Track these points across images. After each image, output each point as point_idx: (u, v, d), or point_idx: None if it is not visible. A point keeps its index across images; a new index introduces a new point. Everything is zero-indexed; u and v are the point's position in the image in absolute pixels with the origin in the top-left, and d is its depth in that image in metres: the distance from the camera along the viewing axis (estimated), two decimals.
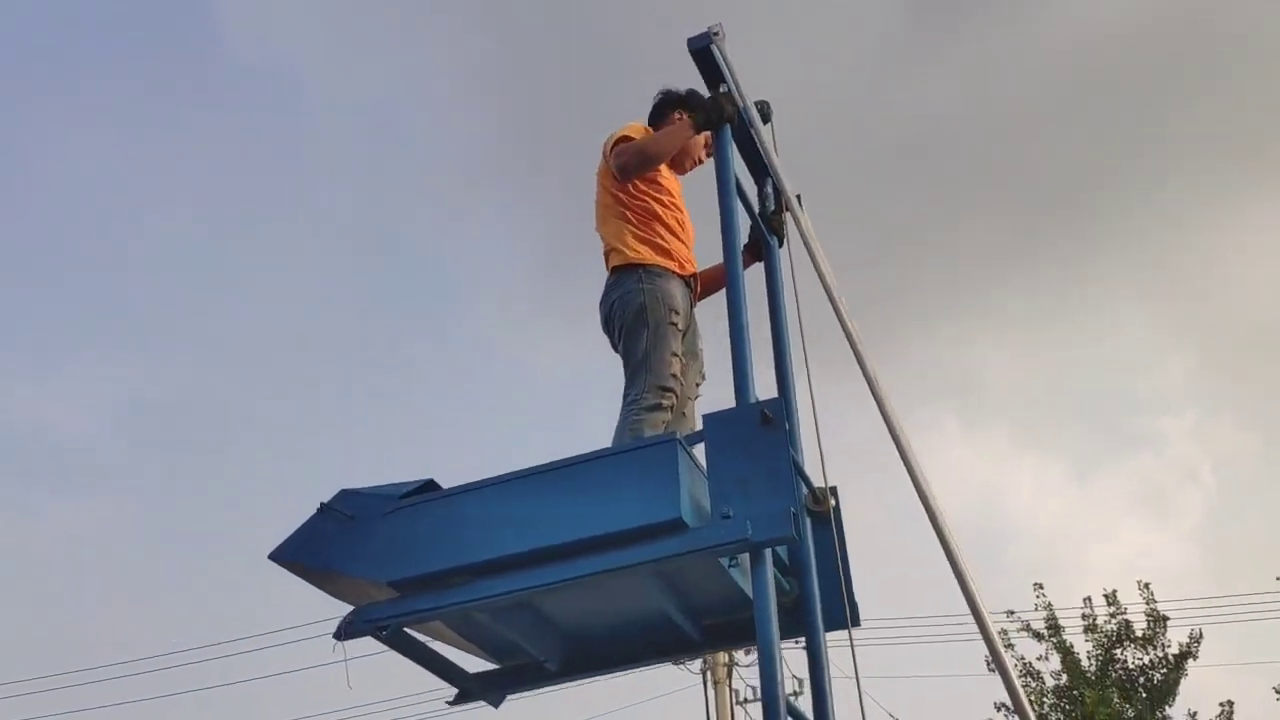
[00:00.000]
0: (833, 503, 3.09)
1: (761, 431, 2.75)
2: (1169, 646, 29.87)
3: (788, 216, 3.67)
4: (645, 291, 3.68)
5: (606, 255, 3.92)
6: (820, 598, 2.97)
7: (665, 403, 3.50)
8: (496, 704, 3.32)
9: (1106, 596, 30.81)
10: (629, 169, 3.82)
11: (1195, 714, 29.52)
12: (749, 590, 2.77)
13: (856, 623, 3.03)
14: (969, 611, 2.84)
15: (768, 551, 2.65)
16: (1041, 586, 32.13)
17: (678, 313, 3.68)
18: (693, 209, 4.11)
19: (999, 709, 31.15)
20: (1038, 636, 31.25)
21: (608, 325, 3.80)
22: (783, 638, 2.71)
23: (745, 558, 2.81)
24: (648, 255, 3.78)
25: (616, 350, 3.72)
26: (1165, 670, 29.67)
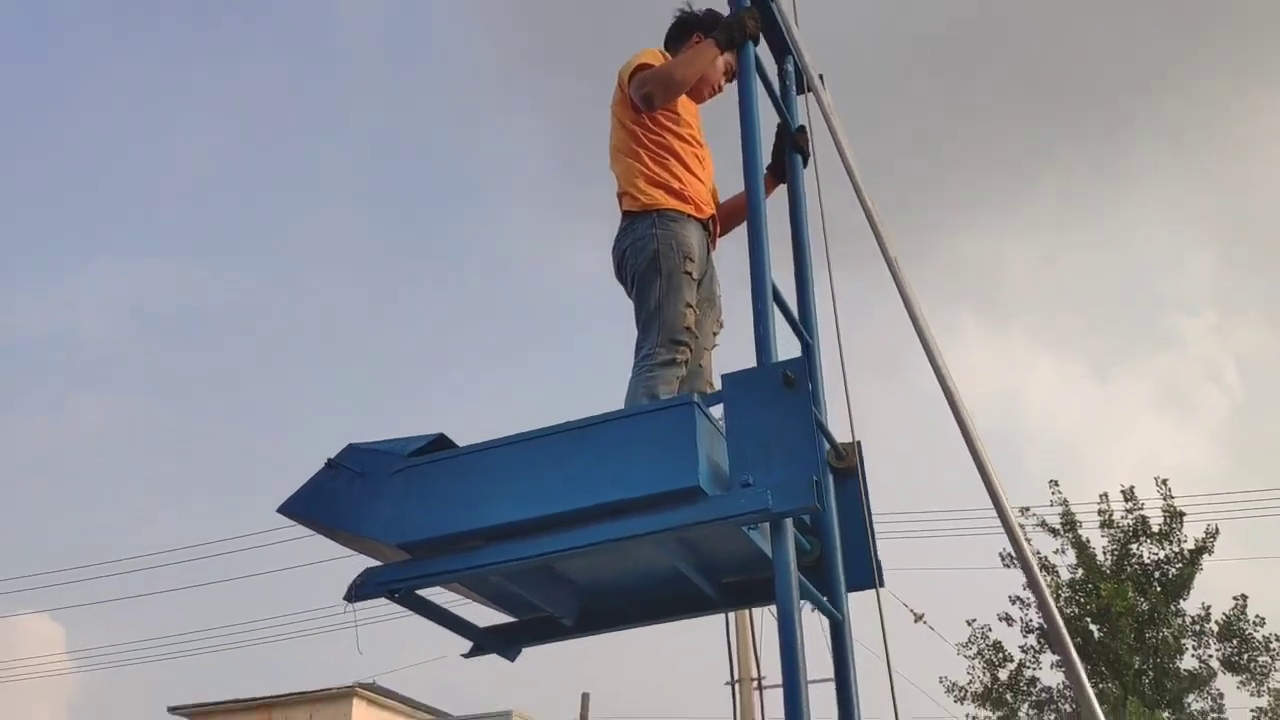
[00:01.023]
0: (857, 458, 2.99)
1: (783, 394, 2.63)
2: (1185, 542, 30.16)
3: (809, 100, 3.51)
4: (658, 238, 3.52)
5: (619, 198, 3.75)
6: (843, 557, 2.87)
7: (679, 358, 3.38)
8: (511, 658, 3.28)
9: (1124, 493, 30.99)
10: (654, 98, 3.61)
11: (1209, 607, 29.84)
12: (768, 551, 2.68)
13: (881, 582, 2.95)
14: (989, 501, 2.81)
15: (788, 521, 2.55)
16: (1057, 483, 32.07)
17: (693, 260, 3.52)
18: (711, 130, 3.93)
19: (1013, 601, 31.55)
20: (1053, 532, 31.49)
21: (620, 273, 3.65)
22: (803, 598, 2.64)
23: None
24: (661, 199, 3.61)
25: (630, 298, 3.58)
26: (1180, 565, 29.98)
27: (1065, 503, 30.79)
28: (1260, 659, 29.32)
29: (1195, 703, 29.10)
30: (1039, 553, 31.09)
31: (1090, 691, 2.89)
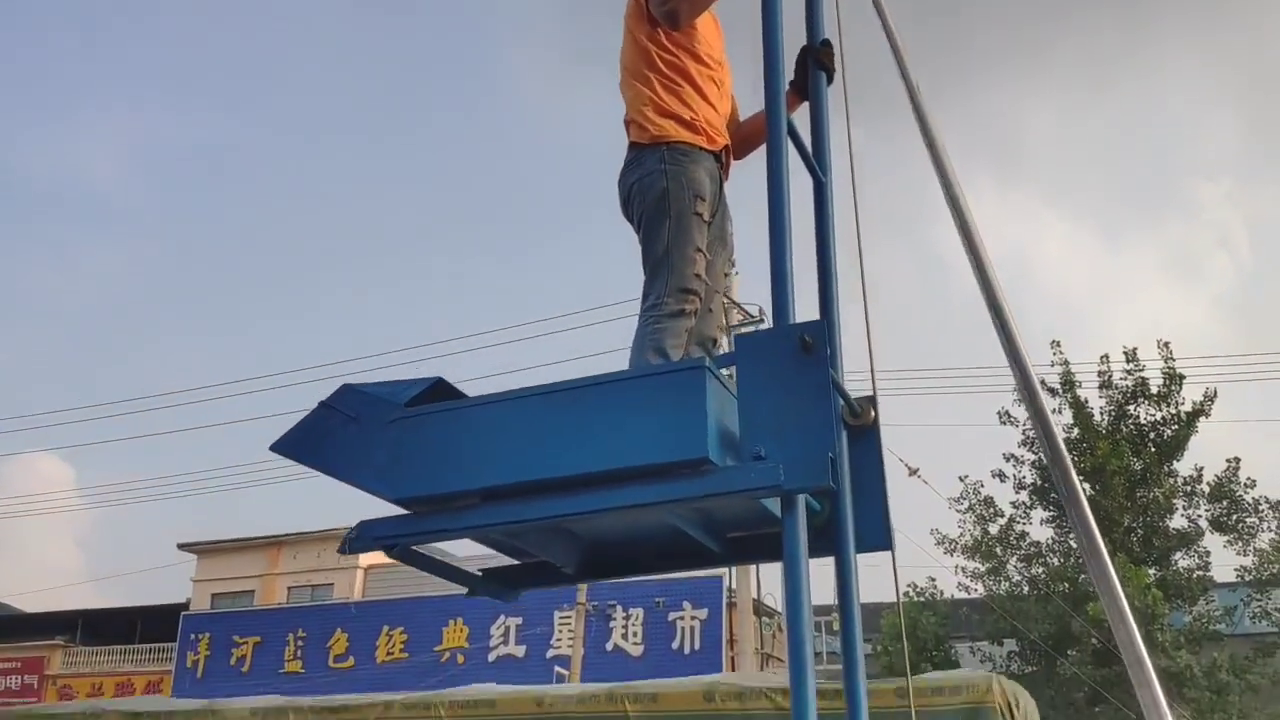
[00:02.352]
0: (873, 415, 2.85)
1: (800, 359, 2.48)
2: (1182, 404, 30.37)
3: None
4: (668, 175, 3.30)
5: (627, 125, 3.51)
6: (854, 519, 2.76)
7: (689, 308, 3.21)
8: (510, 600, 3.22)
9: (1126, 354, 31.06)
10: (679, 16, 3.33)
11: (1201, 469, 30.30)
12: (776, 510, 2.58)
13: (891, 545, 2.86)
14: (1002, 347, 2.79)
15: (801, 497, 2.44)
16: (1059, 344, 32.24)
17: (704, 199, 3.31)
18: (729, 39, 3.66)
19: (1007, 459, 31.94)
20: (1052, 392, 31.70)
21: (626, 209, 3.45)
22: (810, 557, 2.55)
23: None
24: (672, 130, 3.38)
25: (637, 236, 3.39)
26: (1176, 427, 30.27)
27: (1066, 363, 30.91)
28: (1248, 520, 29.89)
29: (1182, 560, 29.79)
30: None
31: (1099, 539, 2.84)
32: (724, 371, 2.64)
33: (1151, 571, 28.96)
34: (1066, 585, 29.66)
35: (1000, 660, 31.46)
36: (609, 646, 33.56)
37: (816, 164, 3.16)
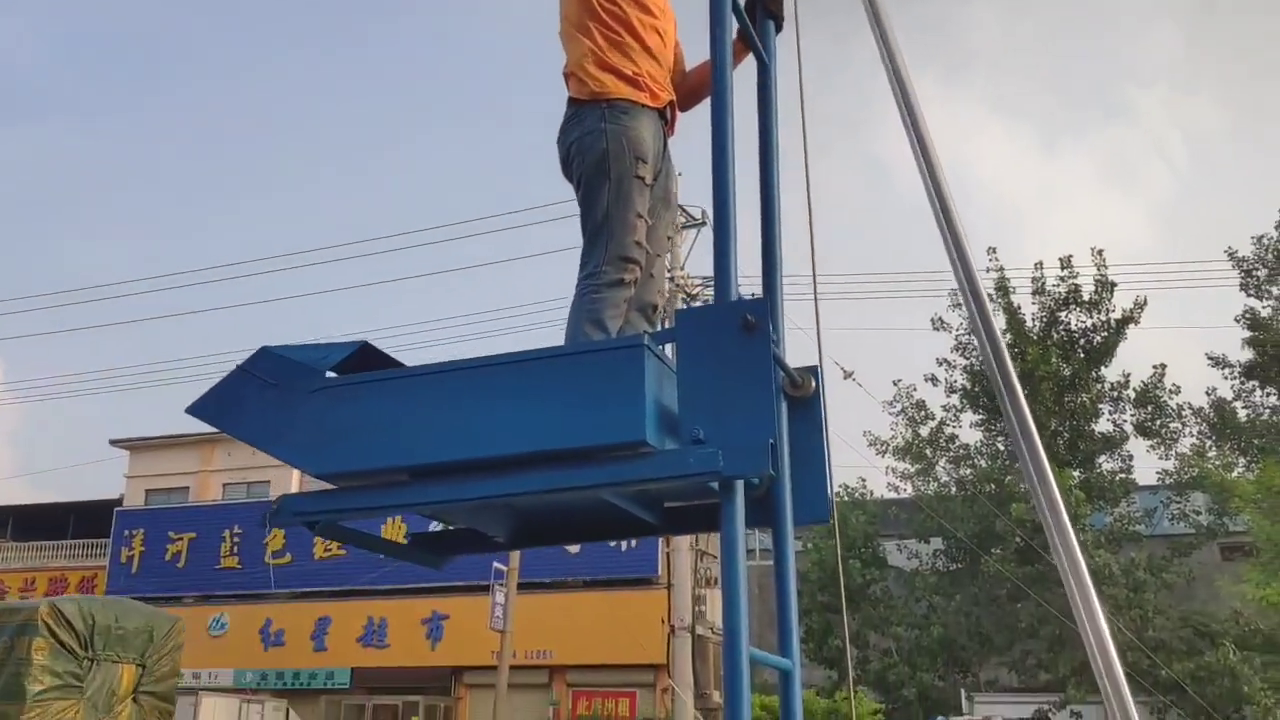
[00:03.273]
0: (814, 385, 2.77)
1: (741, 338, 2.38)
2: (1113, 311, 30.88)
3: None
4: (609, 135, 3.13)
5: (566, 78, 3.32)
6: (793, 490, 2.69)
7: (628, 277, 3.08)
8: (438, 567, 3.14)
9: (1061, 261, 31.40)
10: None
11: (1129, 375, 31.01)
12: (714, 483, 2.50)
13: (830, 517, 2.81)
14: (946, 252, 2.78)
15: (739, 483, 2.36)
16: (995, 251, 32.51)
17: (645, 161, 3.15)
18: None
19: (940, 363, 32.34)
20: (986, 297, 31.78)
21: (566, 168, 3.28)
22: (746, 527, 2.49)
23: None
24: (613, 86, 3.20)
25: (576, 198, 3.22)
26: (1106, 333, 30.81)
27: (1001, 270, 31.23)
28: (1171, 425, 30.73)
29: (1105, 464, 30.64)
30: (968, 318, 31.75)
31: (1037, 438, 2.83)
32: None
33: (1076, 474, 29.74)
34: (993, 486, 30.41)
35: (926, 557, 32.33)
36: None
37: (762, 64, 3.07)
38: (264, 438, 2.73)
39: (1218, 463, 28.90)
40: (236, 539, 35.56)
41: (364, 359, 2.84)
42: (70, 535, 41.14)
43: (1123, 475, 30.44)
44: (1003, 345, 2.75)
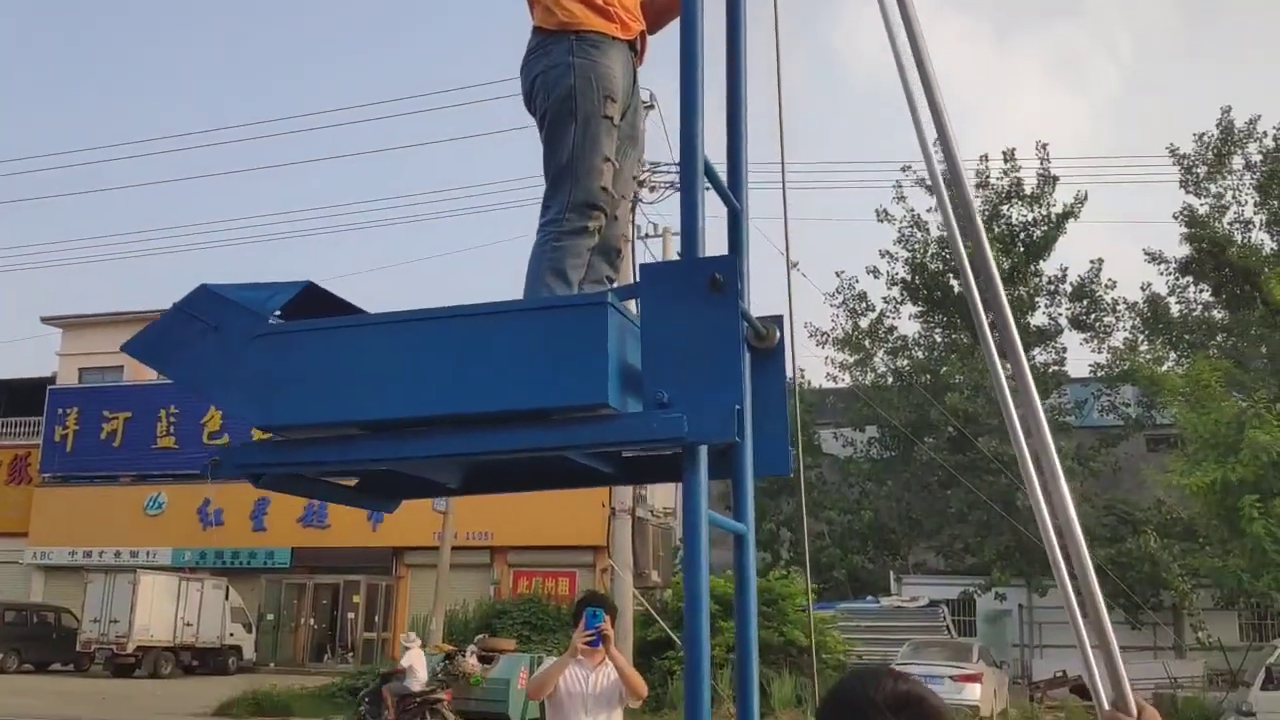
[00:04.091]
0: (778, 336, 2.70)
1: (708, 298, 2.29)
2: (1054, 206, 31.11)
3: None
4: (576, 70, 2.94)
5: (531, 5, 3.12)
6: (754, 443, 2.63)
7: (592, 225, 2.93)
8: (389, 510, 3.06)
9: (1004, 154, 31.45)
10: None
11: (1066, 269, 31.42)
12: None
13: (791, 470, 2.76)
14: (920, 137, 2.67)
15: (703, 449, 2.30)
16: (939, 142, 32.40)
17: (615, 99, 2.97)
18: None
19: (882, 255, 32.47)
20: (929, 190, 31.97)
21: (529, 102, 3.08)
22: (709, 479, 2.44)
23: None
24: (583, 16, 3.00)
25: (540, 135, 3.05)
26: (1046, 228, 31.08)
27: (944, 162, 31.19)
28: (1106, 319, 31.30)
29: (1040, 356, 31.19)
30: (912, 210, 31.84)
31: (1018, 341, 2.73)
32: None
33: (1008, 365, 30.29)
34: (928, 377, 30.90)
35: (861, 445, 32.94)
36: None
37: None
38: (205, 385, 2.61)
39: (1149, 357, 29.54)
40: (173, 419, 35.21)
41: (310, 300, 2.71)
42: (1, 413, 40.44)
43: (1056, 368, 31.05)
44: (982, 232, 2.59)
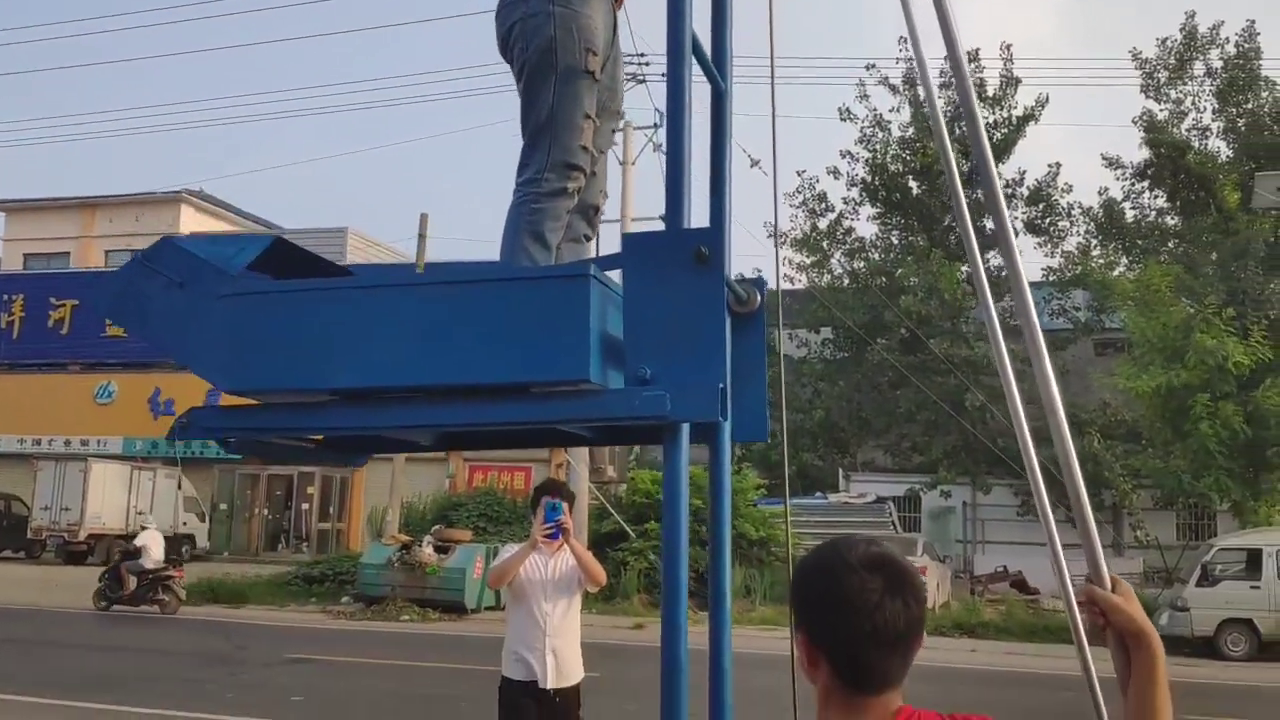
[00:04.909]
0: (759, 300, 2.65)
1: (693, 270, 2.23)
2: (1015, 108, 30.97)
3: None
4: (556, 20, 2.78)
5: None
6: (731, 408, 2.59)
7: (571, 186, 2.82)
8: (358, 465, 3.01)
9: (969, 54, 31.17)
10: None
11: (1024, 172, 31.44)
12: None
13: (765, 436, 2.74)
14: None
15: (685, 427, 2.26)
16: (905, 40, 32.08)
17: (595, 52, 2.82)
18: None
19: (843, 155, 32.26)
20: (893, 90, 31.77)
21: (505, 51, 2.92)
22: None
23: None
24: None
25: (516, 86, 2.91)
26: (1007, 130, 30.97)
27: (909, 61, 30.86)
28: (1060, 223, 31.48)
29: (993, 259, 31.35)
30: (874, 109, 31.59)
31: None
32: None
33: (964, 268, 30.47)
34: (884, 279, 31.03)
35: (815, 346, 33.18)
36: None
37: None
38: (171, 344, 2.53)
39: (1101, 262, 29.84)
40: None
41: (279, 256, 2.62)
42: None
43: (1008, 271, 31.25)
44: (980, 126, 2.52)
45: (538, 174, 2.81)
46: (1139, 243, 30.36)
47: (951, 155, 2.35)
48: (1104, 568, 1.93)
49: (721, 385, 2.20)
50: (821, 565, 1.70)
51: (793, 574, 1.72)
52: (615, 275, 2.35)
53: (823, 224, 32.13)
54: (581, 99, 2.82)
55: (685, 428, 2.27)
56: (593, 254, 3.12)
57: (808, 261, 32.16)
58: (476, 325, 2.27)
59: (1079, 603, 1.91)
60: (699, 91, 2.58)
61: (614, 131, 3.19)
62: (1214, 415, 22.24)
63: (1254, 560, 18.27)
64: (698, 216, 2.33)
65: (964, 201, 2.38)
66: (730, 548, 2.75)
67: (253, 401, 2.51)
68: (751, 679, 7.78)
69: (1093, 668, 1.93)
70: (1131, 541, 28.85)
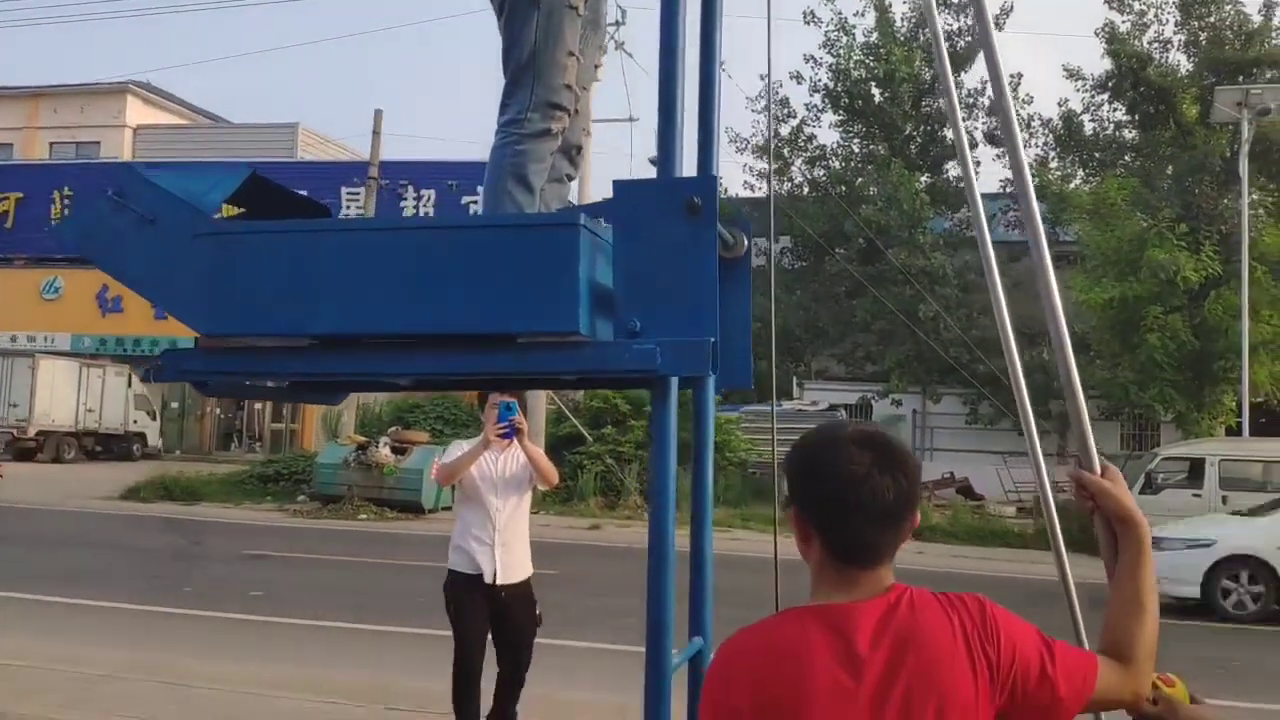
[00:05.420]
0: (745, 244, 2.61)
1: (685, 222, 2.18)
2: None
3: None
4: None
5: None
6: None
7: (555, 126, 2.73)
8: (335, 404, 2.97)
9: None
10: None
11: (986, 82, 31.07)
12: None
13: (750, 384, 2.73)
14: None
15: (674, 381, 2.24)
16: None
17: None
18: None
19: (806, 60, 31.76)
20: None
21: None
22: None
23: None
24: None
25: (498, 24, 2.81)
26: (970, 38, 30.62)
27: None
28: (1021, 135, 31.39)
29: (952, 169, 31.36)
30: (840, 13, 31.14)
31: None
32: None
33: (924, 178, 30.45)
34: (844, 188, 30.94)
35: (775, 255, 33.16)
36: None
37: None
38: (146, 284, 2.45)
39: (1059, 174, 29.91)
40: (67, 201, 33.83)
41: (254, 191, 2.54)
42: None
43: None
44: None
45: (521, 114, 2.73)
46: (1096, 155, 30.42)
47: (958, 110, 2.30)
48: (1095, 454, 1.99)
49: (713, 340, 2.18)
50: (813, 442, 1.73)
51: (791, 450, 1.75)
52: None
53: (784, 130, 31.86)
54: (565, 35, 2.74)
55: (674, 383, 2.25)
56: (574, 195, 3.06)
57: (770, 169, 31.97)
58: (462, 273, 2.22)
59: (1075, 486, 1.96)
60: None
61: (596, 67, 3.11)
62: (1163, 328, 22.60)
63: (1196, 469, 18.74)
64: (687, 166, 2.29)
65: (969, 155, 2.35)
66: (711, 469, 2.79)
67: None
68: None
69: (1069, 572, 2.04)
70: (1075, 451, 29.45)
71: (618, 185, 2.26)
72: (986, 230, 2.45)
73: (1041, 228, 2.24)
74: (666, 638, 2.16)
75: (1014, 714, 1.65)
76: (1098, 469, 1.95)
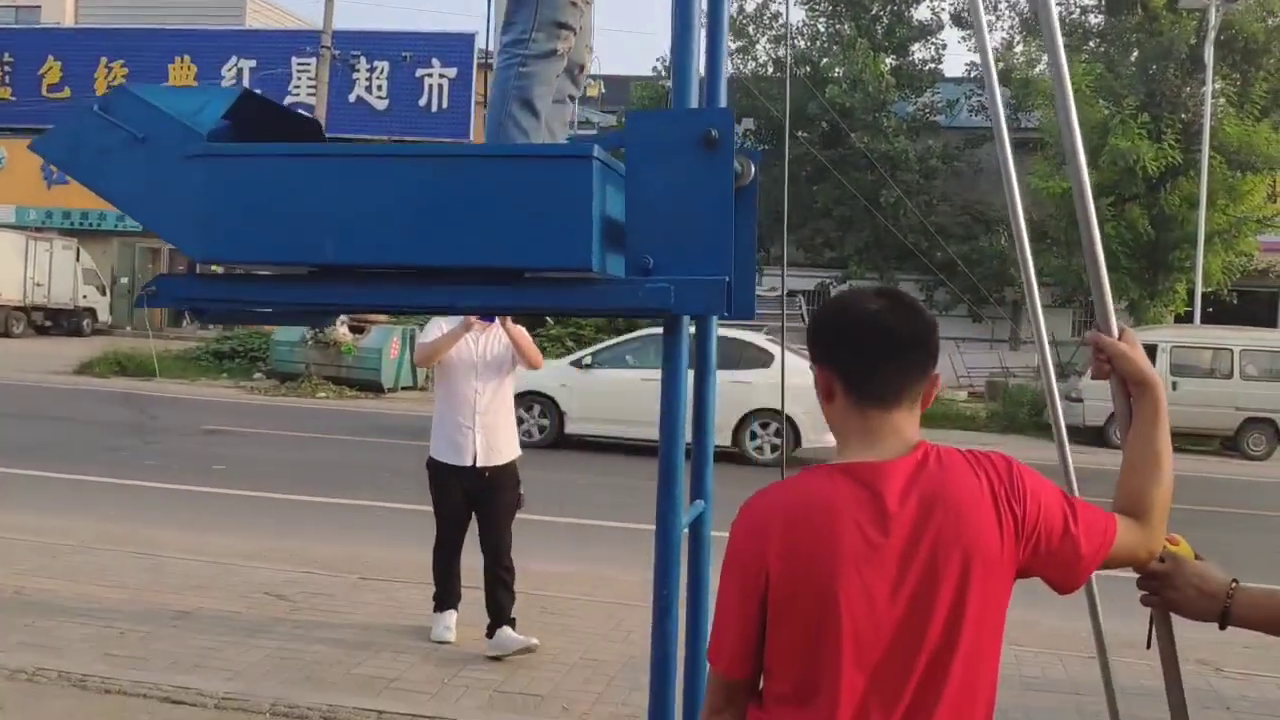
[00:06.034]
0: (752, 172, 2.55)
1: (701, 155, 2.12)
2: None
3: None
4: None
5: None
6: None
7: (561, 47, 2.61)
8: (328, 326, 2.89)
9: None
10: None
11: None
12: None
13: (751, 315, 2.69)
14: None
15: (686, 319, 2.20)
16: None
17: None
18: None
19: None
20: None
21: None
22: None
23: None
24: None
25: None
26: None
27: None
28: (986, 17, 30.96)
29: (919, 52, 31.01)
30: None
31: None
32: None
33: (889, 60, 30.05)
34: (809, 68, 30.47)
35: (736, 137, 32.69)
36: (352, 98, 32.51)
37: None
38: (136, 205, 2.34)
39: (1024, 59, 29.63)
40: (7, 68, 32.62)
41: (249, 110, 2.43)
42: None
43: (933, 65, 30.93)
44: None
45: (525, 34, 2.61)
46: (1064, 40, 30.13)
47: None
48: (1113, 318, 2.02)
49: (727, 279, 2.14)
50: (831, 303, 1.80)
51: (816, 313, 1.79)
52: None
53: (749, 7, 31.20)
54: None
55: (686, 321, 2.22)
56: (575, 115, 2.97)
57: (733, 47, 31.35)
58: (469, 204, 2.15)
59: (1093, 349, 1.99)
60: None
61: None
62: (1120, 217, 22.73)
63: (1148, 354, 19.07)
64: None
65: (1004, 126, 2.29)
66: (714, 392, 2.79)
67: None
68: None
69: (1068, 449, 2.10)
70: (1027, 337, 29.86)
71: (632, 117, 2.18)
72: (1009, 158, 2.39)
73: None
74: (677, 487, 2.18)
75: (1036, 569, 1.70)
76: (1115, 332, 1.97)
